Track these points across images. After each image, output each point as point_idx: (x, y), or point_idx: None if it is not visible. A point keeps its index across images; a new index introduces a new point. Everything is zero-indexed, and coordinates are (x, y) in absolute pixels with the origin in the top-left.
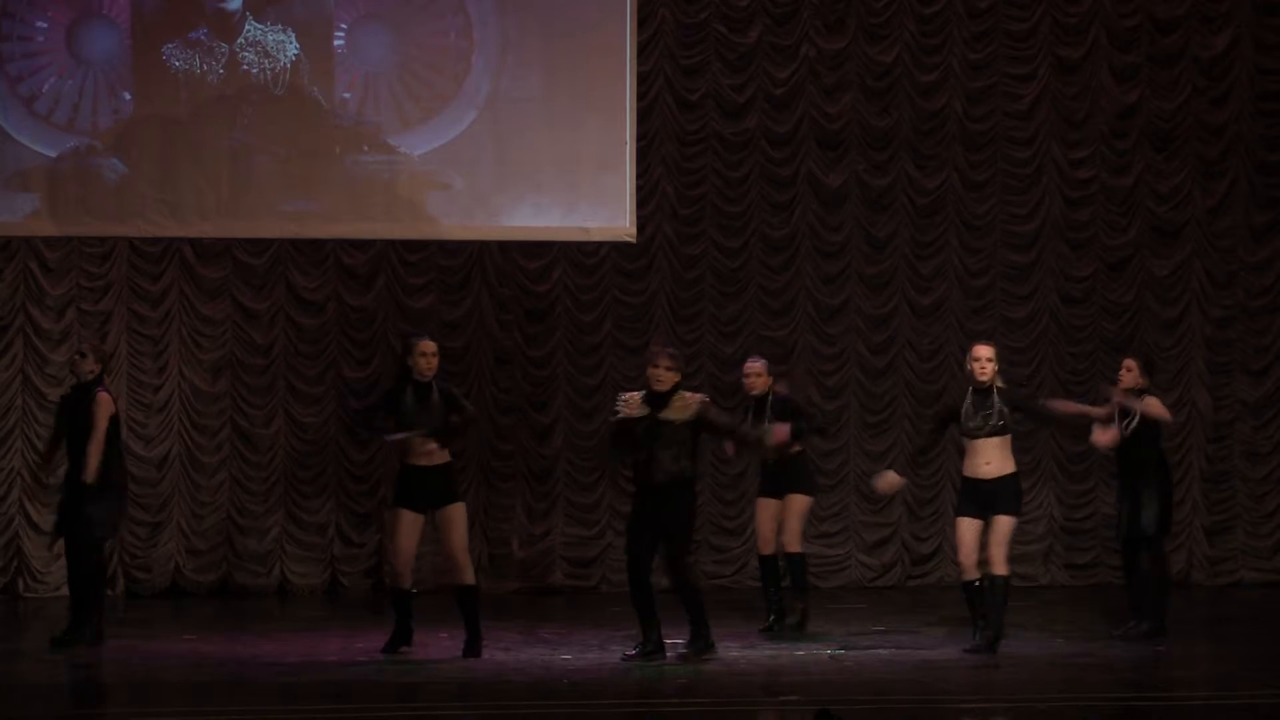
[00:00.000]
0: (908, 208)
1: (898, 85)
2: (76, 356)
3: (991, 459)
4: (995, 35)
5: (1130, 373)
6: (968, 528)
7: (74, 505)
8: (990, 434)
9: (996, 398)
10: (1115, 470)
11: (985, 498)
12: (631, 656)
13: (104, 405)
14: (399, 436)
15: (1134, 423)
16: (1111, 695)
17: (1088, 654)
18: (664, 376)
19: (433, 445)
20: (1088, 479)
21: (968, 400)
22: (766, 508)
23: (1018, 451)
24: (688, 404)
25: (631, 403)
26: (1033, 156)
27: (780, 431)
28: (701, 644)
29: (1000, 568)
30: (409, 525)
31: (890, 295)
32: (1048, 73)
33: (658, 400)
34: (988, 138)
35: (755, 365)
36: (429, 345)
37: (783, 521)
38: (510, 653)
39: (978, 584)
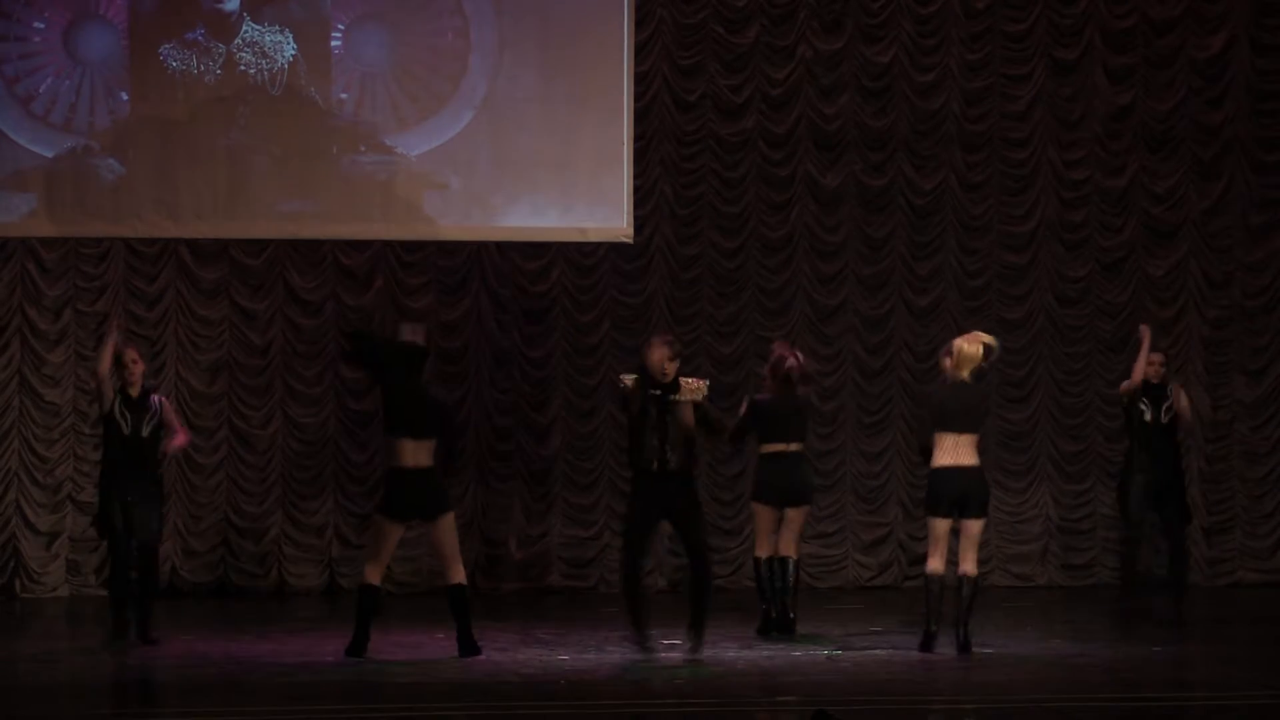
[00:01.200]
0: (905, 208)
1: (895, 86)
2: (130, 362)
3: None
4: (992, 36)
5: (1164, 367)
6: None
7: (147, 509)
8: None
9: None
10: (1128, 453)
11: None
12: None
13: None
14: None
15: (1171, 411)
16: (1110, 695)
17: (1086, 654)
18: (667, 366)
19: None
20: (1084, 479)
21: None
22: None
23: (1014, 452)
24: (697, 387)
25: (632, 381)
26: (1029, 157)
27: None
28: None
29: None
30: (394, 538)
31: (887, 296)
32: (1044, 74)
33: (664, 386)
34: (985, 138)
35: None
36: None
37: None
38: (508, 653)
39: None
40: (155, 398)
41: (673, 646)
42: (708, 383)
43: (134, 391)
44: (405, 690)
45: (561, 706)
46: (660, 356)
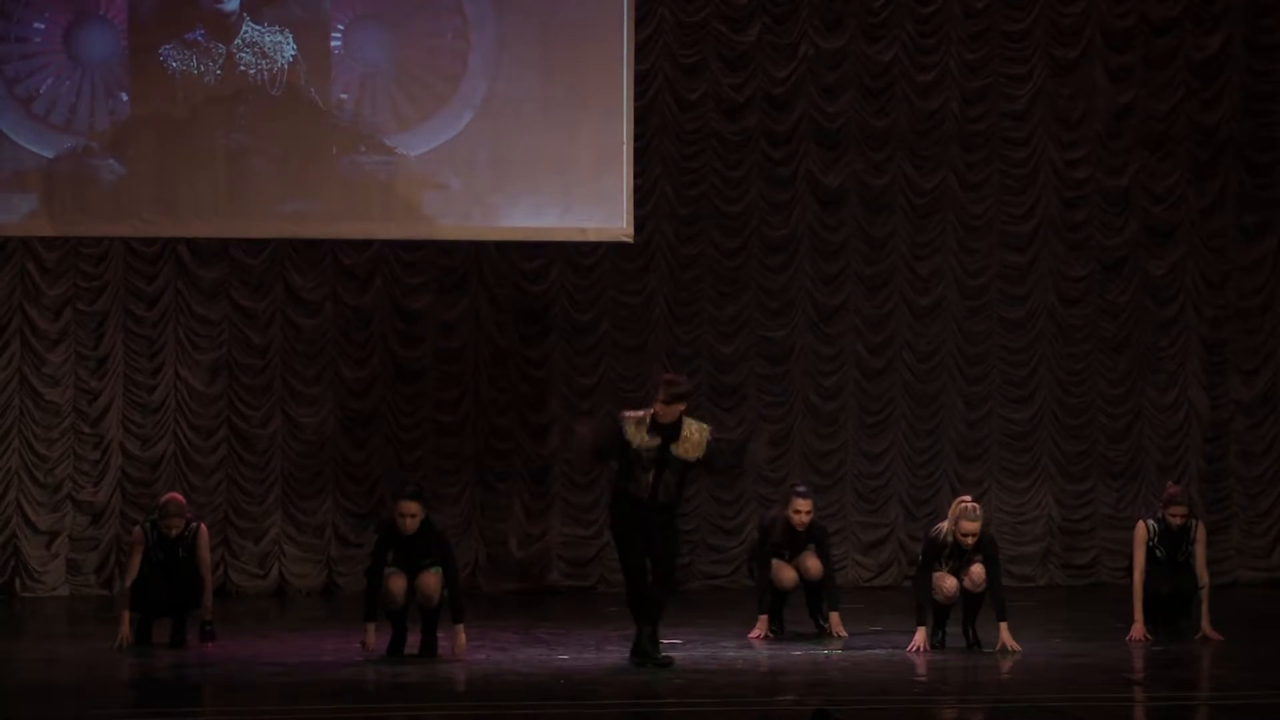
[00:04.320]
0: (905, 208)
1: (895, 85)
2: (168, 518)
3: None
4: (992, 35)
5: (1185, 518)
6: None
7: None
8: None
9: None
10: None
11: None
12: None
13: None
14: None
15: (1189, 551)
16: (1111, 695)
17: (1085, 654)
18: (670, 410)
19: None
20: (1086, 479)
21: (947, 550)
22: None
23: (1015, 452)
24: (698, 441)
25: (635, 430)
26: (1029, 157)
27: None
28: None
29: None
30: (397, 580)
31: (888, 295)
32: (1044, 73)
33: (666, 430)
34: (985, 138)
35: (806, 503)
36: (409, 506)
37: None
38: (507, 653)
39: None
40: (194, 527)
41: (672, 647)
42: (709, 431)
43: (171, 536)
44: (405, 690)
45: (561, 706)
46: (668, 399)
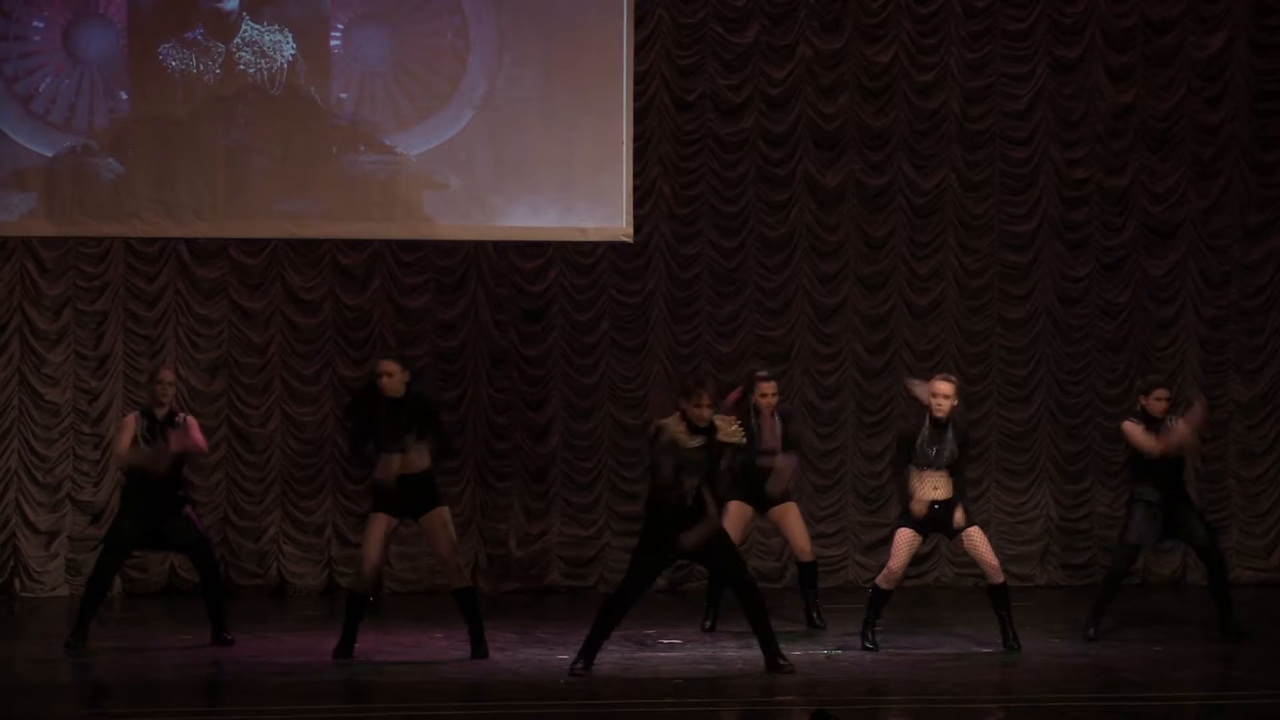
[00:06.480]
0: (905, 208)
1: (895, 85)
2: (166, 382)
3: (940, 485)
4: (992, 35)
5: (1167, 403)
6: (911, 540)
7: (178, 521)
8: (941, 467)
9: (951, 432)
10: (1141, 481)
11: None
12: (581, 672)
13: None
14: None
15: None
16: (1110, 695)
17: (1085, 654)
18: (707, 413)
19: (413, 456)
20: (1084, 479)
21: (924, 432)
22: (741, 510)
23: (1015, 452)
24: (733, 429)
25: (679, 431)
26: (1030, 156)
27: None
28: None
29: (1000, 575)
30: (381, 530)
31: (887, 295)
32: (1045, 72)
33: (701, 432)
34: (985, 137)
35: (771, 385)
36: (388, 365)
37: (793, 531)
38: (507, 652)
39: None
40: (182, 417)
41: (673, 646)
42: (736, 422)
43: (160, 413)
44: (405, 690)
45: (561, 706)
46: (705, 404)
